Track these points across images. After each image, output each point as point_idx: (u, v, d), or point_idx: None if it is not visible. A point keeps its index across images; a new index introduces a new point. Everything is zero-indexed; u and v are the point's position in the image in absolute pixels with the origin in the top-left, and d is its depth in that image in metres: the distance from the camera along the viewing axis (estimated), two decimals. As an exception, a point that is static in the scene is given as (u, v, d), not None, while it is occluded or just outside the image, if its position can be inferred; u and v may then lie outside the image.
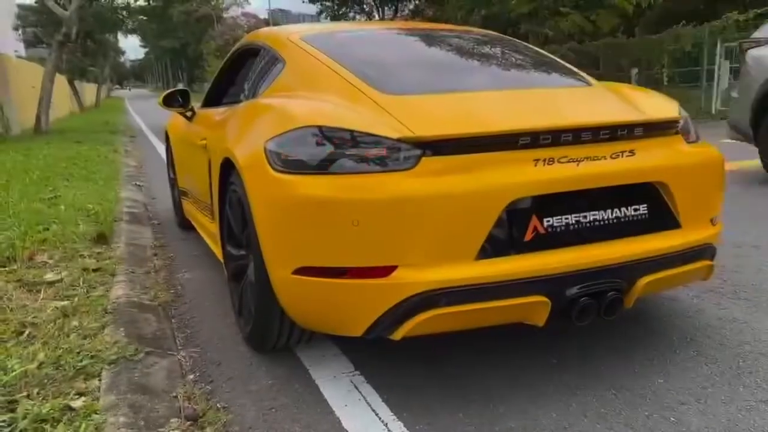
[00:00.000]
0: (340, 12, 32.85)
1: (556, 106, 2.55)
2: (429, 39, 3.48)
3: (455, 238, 2.12)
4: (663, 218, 2.45)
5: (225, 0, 73.32)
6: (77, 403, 2.10)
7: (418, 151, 2.16)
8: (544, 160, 2.24)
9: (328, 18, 33.18)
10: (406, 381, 2.43)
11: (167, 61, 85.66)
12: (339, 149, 2.19)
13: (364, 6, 33.06)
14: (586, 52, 22.81)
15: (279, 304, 2.44)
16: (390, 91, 2.48)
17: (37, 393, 2.15)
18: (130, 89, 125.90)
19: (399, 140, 2.17)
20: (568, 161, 2.27)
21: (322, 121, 2.28)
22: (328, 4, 32.39)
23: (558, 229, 2.25)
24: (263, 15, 73.25)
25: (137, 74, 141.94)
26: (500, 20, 26.21)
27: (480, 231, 2.13)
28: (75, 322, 2.77)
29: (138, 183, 7.52)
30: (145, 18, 40.40)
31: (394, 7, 32.88)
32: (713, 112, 15.87)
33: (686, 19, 21.05)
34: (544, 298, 2.19)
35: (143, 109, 32.41)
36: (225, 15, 69.88)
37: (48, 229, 4.39)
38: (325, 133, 2.23)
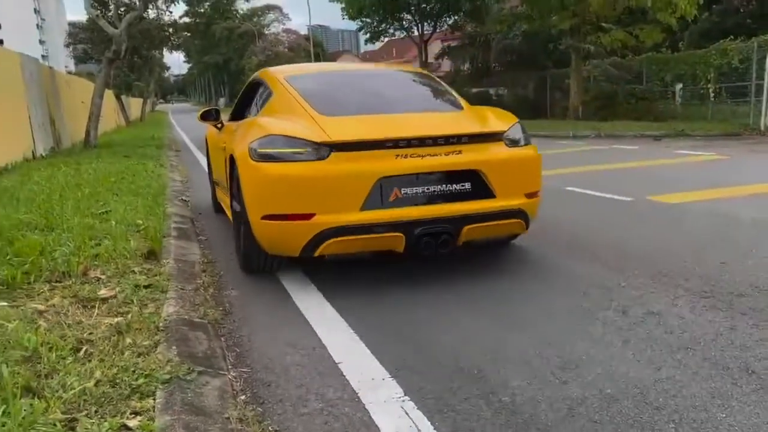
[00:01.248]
0: (380, 28, 33.09)
1: (417, 124, 4.08)
2: (366, 77, 5.17)
3: (348, 198, 3.71)
4: (481, 191, 3.95)
5: (266, 17, 74.69)
6: (133, 423, 2.13)
7: (330, 149, 3.78)
8: (401, 155, 3.81)
9: (368, 34, 33.44)
10: (456, 407, 2.40)
11: (210, 76, 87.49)
12: (288, 147, 3.81)
13: (404, 22, 33.22)
14: (629, 66, 22.47)
15: (256, 240, 4.03)
16: (325, 114, 4.11)
17: (95, 411, 2.19)
18: (173, 103, 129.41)
19: (320, 143, 3.79)
20: (416, 156, 3.83)
21: (280, 132, 3.92)
22: (368, 20, 32.65)
23: (410, 195, 3.82)
24: (303, 31, 74.42)
25: (180, 89, 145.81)
26: (540, 36, 26.06)
27: (362, 194, 3.72)
28: (129, 340, 2.82)
29: (184, 198, 7.67)
30: (189, 34, 41.37)
31: (432, 23, 32.97)
32: (762, 128, 15.41)
33: (733, 34, 20.58)
34: (400, 234, 3.75)
35: (187, 123, 33.11)
36: (266, 31, 71.16)
37: (100, 245, 4.50)
38: (282, 138, 3.85)
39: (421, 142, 3.84)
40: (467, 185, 3.92)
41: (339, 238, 3.72)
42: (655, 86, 21.34)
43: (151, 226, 5.02)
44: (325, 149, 3.77)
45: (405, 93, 4.88)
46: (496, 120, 4.31)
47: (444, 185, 3.88)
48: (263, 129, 4.02)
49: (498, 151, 4.06)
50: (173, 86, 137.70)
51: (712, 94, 19.51)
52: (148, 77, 37.82)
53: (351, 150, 3.77)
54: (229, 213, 5.13)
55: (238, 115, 5.60)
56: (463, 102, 4.71)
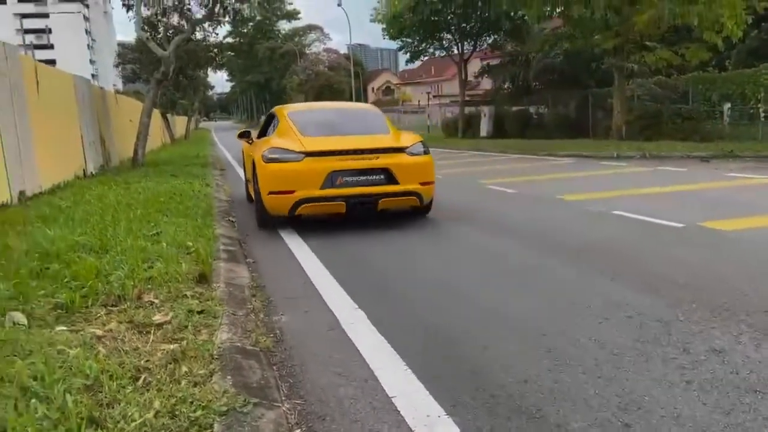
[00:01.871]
0: (420, 48, 33.22)
1: (356, 142, 6.91)
2: (336, 112, 8.23)
3: (313, 182, 6.63)
4: (390, 180, 6.81)
5: (308, 36, 75.76)
6: (193, 457, 2.13)
7: (304, 155, 6.75)
8: (344, 159, 6.72)
9: (408, 53, 33.60)
10: (517, 450, 2.33)
11: (252, 95, 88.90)
12: (282, 154, 6.80)
13: (444, 42, 33.30)
14: (674, 86, 22.03)
15: (265, 207, 6.91)
16: (306, 135, 7.11)
17: (156, 444, 2.20)
18: (216, 120, 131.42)
19: (299, 152, 6.78)
20: (353, 160, 6.75)
21: (278, 146, 6.93)
22: (408, 40, 32.83)
23: (349, 181, 6.73)
24: (343, 50, 75.23)
25: (223, 106, 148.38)
26: (582, 54, 25.79)
27: (320, 180, 6.63)
28: (185, 368, 2.85)
29: (230, 218, 7.77)
30: (233, 54, 42.13)
31: (473, 42, 32.97)
32: (818, 150, 14.87)
33: (784, 52, 20.00)
34: (342, 203, 6.71)
35: (228, 141, 33.70)
36: (307, 51, 72.14)
37: (153, 267, 4.57)
38: (279, 150, 6.86)
39: (355, 152, 6.81)
40: (382, 176, 6.87)
41: (308, 204, 6.72)
42: (701, 106, 20.88)
43: (201, 248, 5.09)
44: (302, 155, 6.77)
45: (356, 123, 7.77)
46: (405, 140, 7.26)
47: (368, 176, 6.82)
48: (270, 144, 7.12)
49: (401, 158, 7.01)
50: (216, 104, 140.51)
51: (762, 114, 18.98)
52: (193, 96, 38.70)
53: (316, 156, 6.74)
54: (253, 194, 7.91)
55: (262, 134, 8.71)
56: (391, 129, 7.63)
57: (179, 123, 42.29)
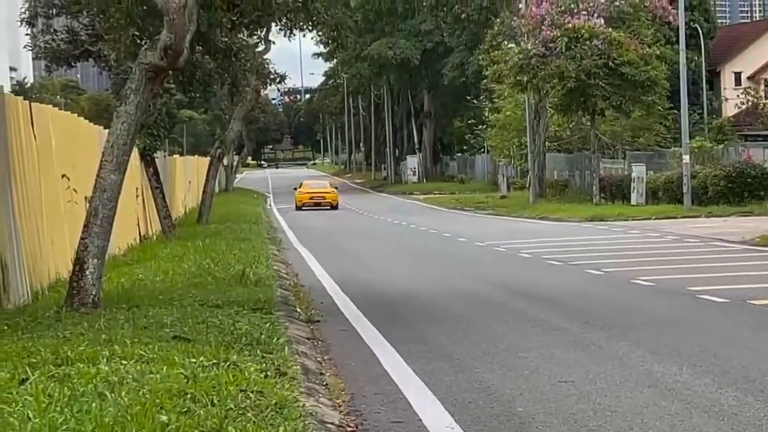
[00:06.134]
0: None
1: (317, 189, 39.39)
2: (314, 181, 47.32)
3: (306, 198, 38.12)
4: (324, 198, 37.99)
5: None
6: None
7: (305, 192, 40.25)
8: (313, 193, 38.71)
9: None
10: None
11: (372, 98, 45.83)
12: (299, 191, 40.47)
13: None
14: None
15: (296, 204, 39.40)
16: (306, 186, 42.27)
17: None
18: (277, 166, 79.93)
19: (304, 192, 40.28)
20: (316, 193, 38.64)
21: (301, 189, 40.15)
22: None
23: (315, 197, 38.11)
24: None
25: (295, 132, 74.83)
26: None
27: (308, 197, 37.97)
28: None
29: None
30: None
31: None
32: None
33: None
34: (313, 203, 37.53)
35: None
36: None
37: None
38: (299, 190, 40.76)
39: (317, 192, 38.00)
40: (323, 197, 37.23)
41: (305, 203, 36.73)
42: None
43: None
44: (305, 192, 37.51)
45: (320, 182, 42.39)
46: (330, 189, 38.83)
47: (320, 198, 37.15)
48: (298, 189, 38.27)
49: (328, 194, 37.65)
50: (284, 125, 72.79)
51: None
52: (226, 104, 18.17)
53: (307, 192, 37.68)
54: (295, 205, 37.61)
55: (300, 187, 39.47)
56: (328, 185, 40.56)
57: (182, 172, 21.06)
